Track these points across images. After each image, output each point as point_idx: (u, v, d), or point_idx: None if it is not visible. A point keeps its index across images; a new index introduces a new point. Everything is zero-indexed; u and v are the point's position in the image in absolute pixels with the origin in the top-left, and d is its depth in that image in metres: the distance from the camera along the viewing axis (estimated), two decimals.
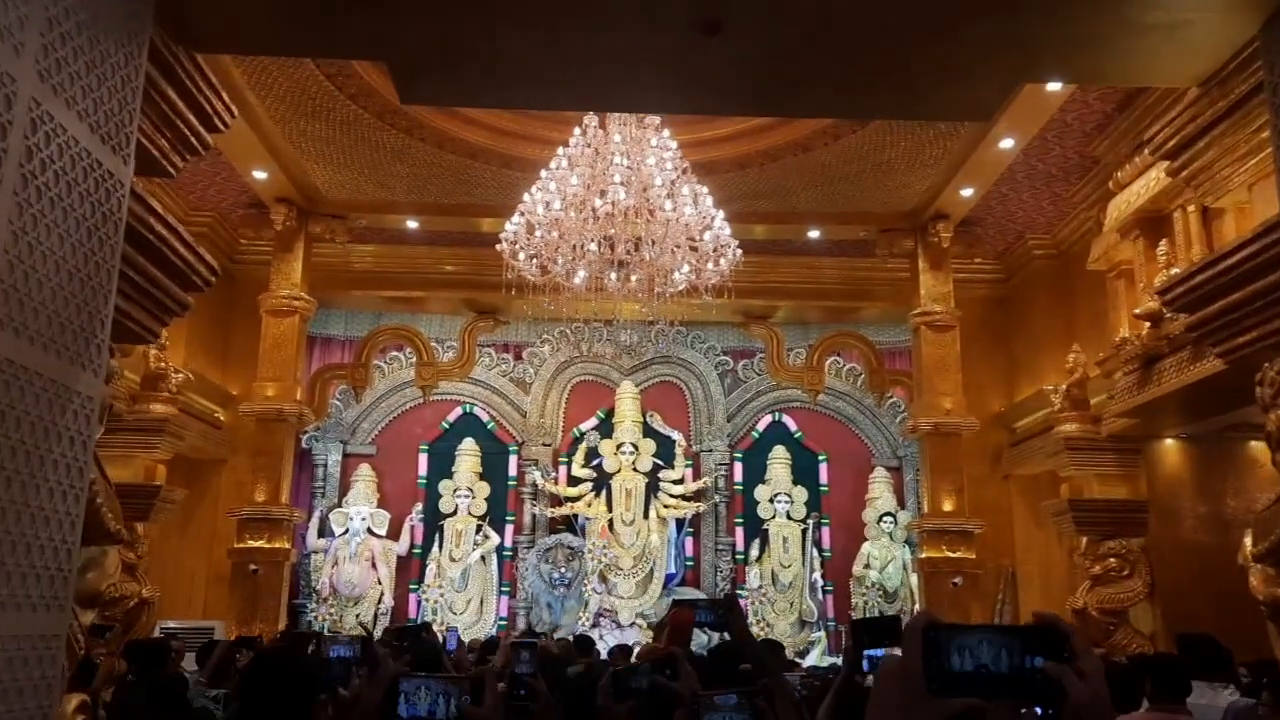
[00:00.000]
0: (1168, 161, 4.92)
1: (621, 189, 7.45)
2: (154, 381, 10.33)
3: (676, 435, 13.56)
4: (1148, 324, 8.59)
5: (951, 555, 11.06)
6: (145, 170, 3.69)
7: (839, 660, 12.21)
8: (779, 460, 13.60)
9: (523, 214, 7.93)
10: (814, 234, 12.01)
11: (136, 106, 3.26)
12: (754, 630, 12.70)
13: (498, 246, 8.29)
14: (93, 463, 3.10)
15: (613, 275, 8.24)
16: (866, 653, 3.42)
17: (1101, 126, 9.43)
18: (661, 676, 3.09)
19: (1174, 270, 8.37)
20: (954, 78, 3.85)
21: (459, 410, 13.79)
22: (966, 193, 10.80)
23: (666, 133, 7.99)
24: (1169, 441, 9.99)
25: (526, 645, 2.95)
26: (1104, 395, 10.28)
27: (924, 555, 11.29)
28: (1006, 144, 9.59)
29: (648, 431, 13.48)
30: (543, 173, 8.00)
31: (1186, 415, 9.10)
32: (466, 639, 12.09)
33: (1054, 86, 8.45)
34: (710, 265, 8.10)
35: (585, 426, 13.65)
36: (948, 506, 11.22)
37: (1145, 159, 8.76)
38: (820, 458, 13.80)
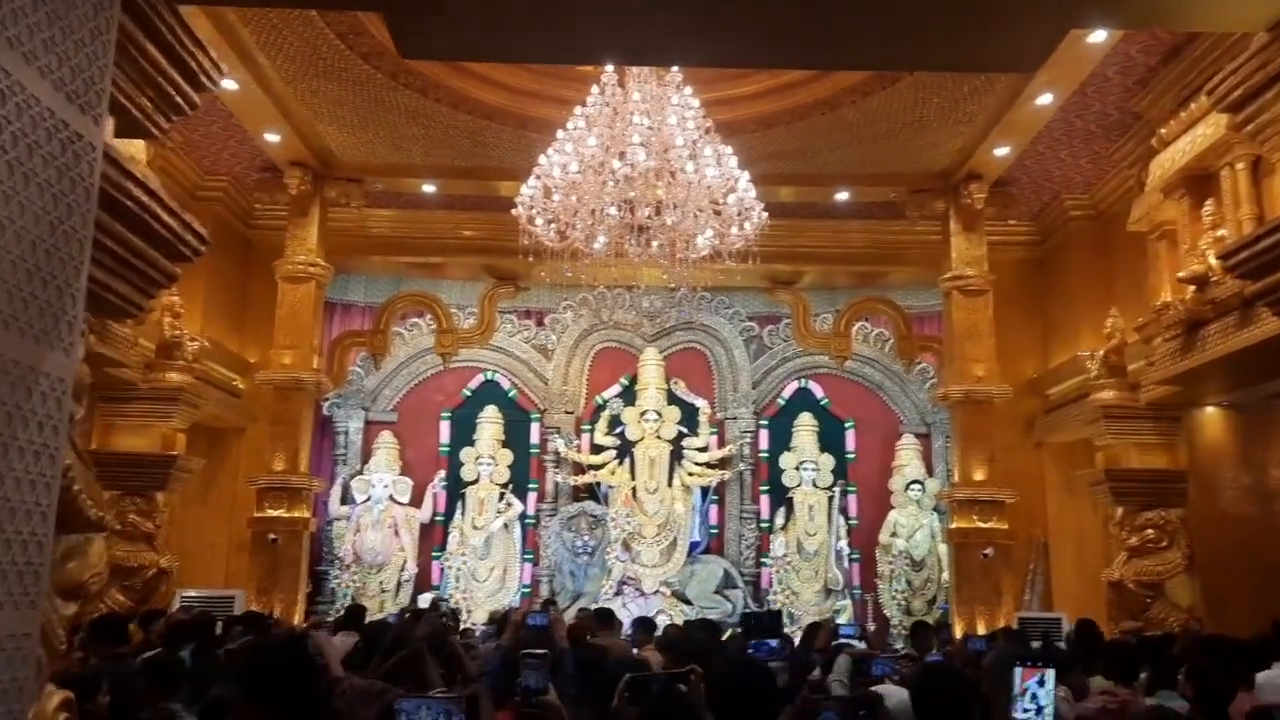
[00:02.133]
0: (1229, 114, 4.57)
1: (641, 150, 7.14)
2: (169, 350, 10.20)
3: (701, 402, 13.35)
4: (1192, 287, 8.21)
5: (982, 526, 10.79)
6: (128, 132, 3.46)
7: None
8: (805, 427, 13.34)
9: (539, 177, 7.65)
10: (842, 196, 11.65)
11: (108, 63, 3.02)
12: (779, 598, 12.59)
13: (514, 211, 8.03)
14: (68, 447, 2.89)
15: (633, 241, 7.95)
16: (753, 643, 3.41)
17: (1144, 80, 8.98)
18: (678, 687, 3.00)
19: (1221, 231, 8.01)
20: (1000, 25, 3.53)
21: (481, 377, 13.62)
22: (1001, 151, 10.39)
23: (689, 90, 7.66)
24: (1210, 410, 9.64)
25: (536, 658, 2.75)
26: (1143, 361, 9.93)
27: (954, 525, 11.02)
28: (1045, 100, 9.17)
29: (671, 399, 13.27)
30: (559, 133, 7.70)
31: (1231, 382, 8.75)
32: (488, 607, 12.14)
33: (1097, 37, 8.03)
34: (734, 229, 7.79)
35: (608, 394, 13.46)
36: (979, 476, 10.93)
37: (1192, 114, 8.36)
38: (847, 424, 13.53)
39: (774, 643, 3.93)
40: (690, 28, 3.86)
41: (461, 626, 10.09)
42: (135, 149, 8.21)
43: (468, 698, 2.20)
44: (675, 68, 7.71)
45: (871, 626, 12.07)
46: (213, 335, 11.55)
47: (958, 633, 10.21)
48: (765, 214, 7.77)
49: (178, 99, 3.60)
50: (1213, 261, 7.94)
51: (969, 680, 3.10)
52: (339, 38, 8.56)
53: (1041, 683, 2.94)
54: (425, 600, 12.18)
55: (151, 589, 9.81)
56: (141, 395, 9.90)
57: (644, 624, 8.02)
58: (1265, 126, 4.37)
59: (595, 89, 7.77)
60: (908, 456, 13.19)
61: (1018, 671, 2.97)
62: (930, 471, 13.12)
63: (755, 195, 7.69)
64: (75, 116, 2.83)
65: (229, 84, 9.10)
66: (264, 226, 12.58)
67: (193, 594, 10.35)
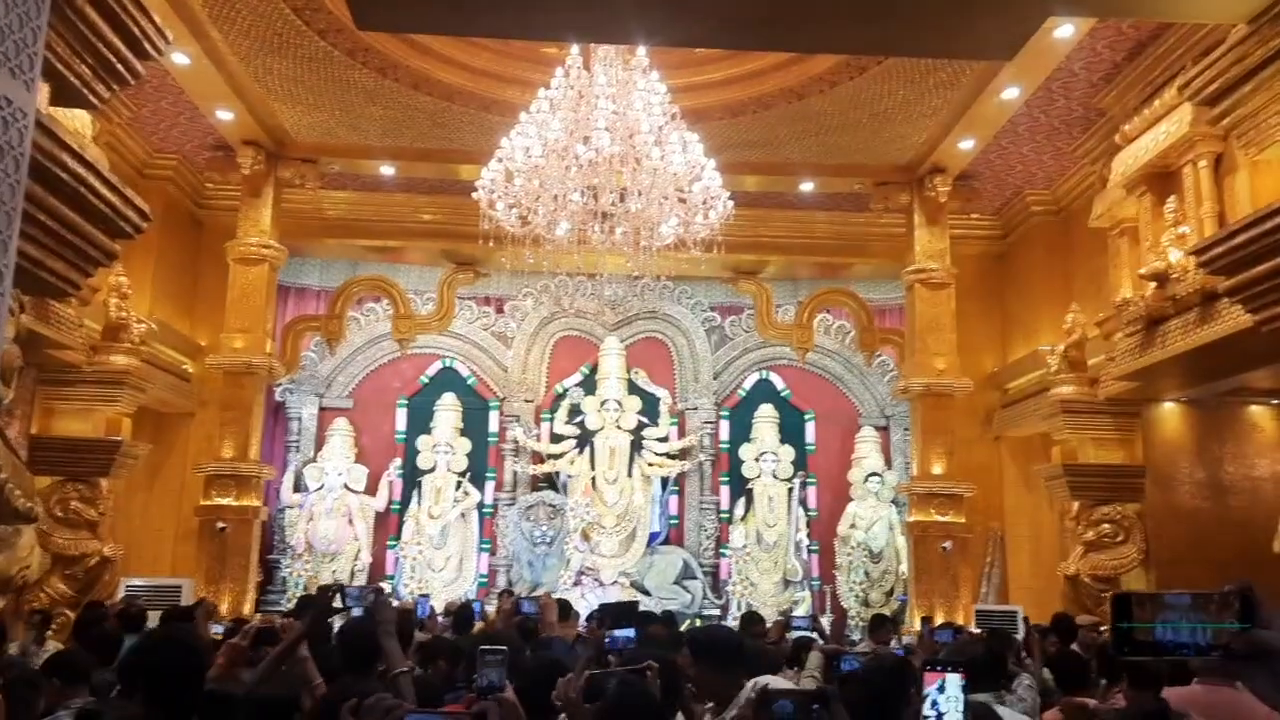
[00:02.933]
0: (1203, 108, 4.51)
1: (606, 134, 6.98)
2: (115, 332, 9.86)
3: (662, 392, 13.25)
4: (1153, 284, 8.24)
5: (941, 519, 10.82)
6: (65, 100, 3.25)
7: (824, 620, 12.02)
8: (765, 419, 13.30)
9: (501, 160, 7.46)
10: (807, 186, 11.58)
11: (42, 24, 2.80)
12: (738, 589, 12.55)
13: (474, 195, 7.84)
14: None
15: (596, 228, 7.79)
16: (612, 633, 3.65)
17: (1109, 76, 8.99)
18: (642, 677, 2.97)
19: (1183, 228, 8.05)
20: (979, 12, 3.44)
21: (438, 364, 13.40)
22: (966, 145, 10.38)
23: (655, 75, 7.51)
24: (1168, 405, 9.72)
25: (495, 654, 2.64)
26: (1102, 357, 9.98)
27: (913, 519, 11.04)
28: (1010, 94, 9.15)
29: (632, 388, 13.15)
30: (522, 115, 7.52)
31: (1189, 379, 8.82)
32: (445, 597, 11.93)
33: (1065, 31, 8.01)
34: (699, 218, 7.67)
35: (568, 383, 13.32)
36: (938, 469, 10.95)
37: (1155, 111, 8.38)
38: (807, 416, 13.51)
39: (630, 633, 3.90)
40: (657, 6, 3.73)
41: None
42: (80, 123, 7.91)
43: (474, 716, 2.16)
44: (642, 51, 7.56)
45: (827, 618, 12.06)
46: (161, 317, 11.22)
47: (919, 624, 10.19)
48: (731, 202, 7.65)
49: (119, 67, 3.39)
50: (1174, 258, 7.98)
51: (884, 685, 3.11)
52: (294, 12, 8.31)
53: (942, 689, 2.77)
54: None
55: (94, 578, 9.50)
56: (85, 378, 9.57)
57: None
58: (1241, 121, 4.34)
59: (560, 71, 7.59)
60: (867, 449, 13.19)
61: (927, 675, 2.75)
62: (889, 464, 13.13)
63: (721, 183, 7.56)
64: (4, 80, 2.63)
65: (179, 58, 8.82)
66: (216, 207, 12.25)
67: (139, 583, 10.05)
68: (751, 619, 6.83)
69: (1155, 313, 8.27)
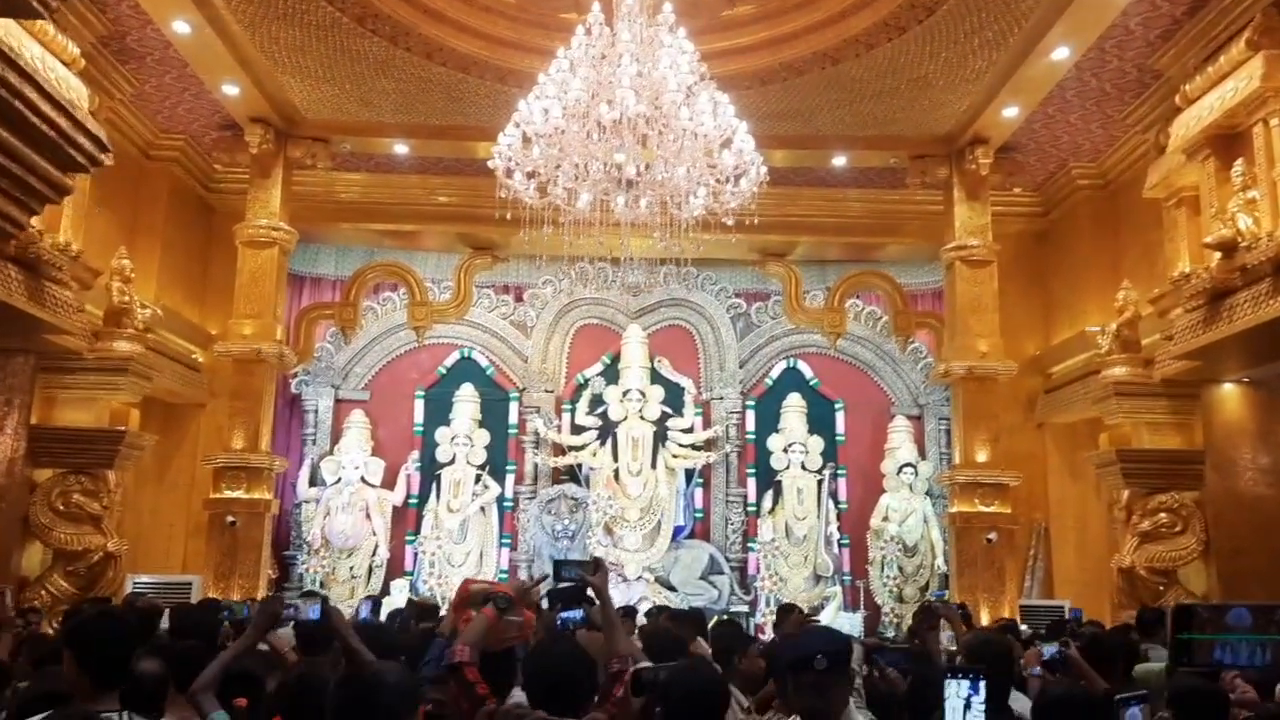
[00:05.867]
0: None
1: (631, 94, 6.49)
2: (118, 317, 9.49)
3: (686, 382, 12.78)
4: (1218, 254, 7.66)
5: (985, 510, 10.28)
6: (7, 10, 2.78)
7: (856, 617, 11.52)
8: (794, 408, 12.80)
9: (518, 125, 6.98)
10: (839, 161, 11.07)
11: None
12: (766, 584, 12.06)
13: (490, 163, 7.35)
14: None
15: (620, 200, 7.28)
16: (561, 615, 3.77)
17: (1168, 34, 8.42)
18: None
19: (1252, 193, 7.48)
20: None
21: (457, 354, 12.99)
22: (1010, 113, 9.83)
23: (682, 31, 7.01)
24: (1228, 387, 9.14)
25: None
26: (1157, 336, 9.44)
27: (955, 509, 10.51)
28: (1060, 54, 8.60)
29: (655, 378, 12.70)
30: (540, 77, 7.03)
31: (1256, 357, 8.25)
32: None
33: None
34: (730, 187, 7.15)
35: (590, 372, 12.86)
36: (981, 457, 10.42)
37: (1220, 68, 7.82)
38: (837, 406, 12.99)
39: (579, 614, 3.81)
40: None
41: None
42: (77, 93, 7.50)
43: None
44: (668, 7, 7.06)
45: (860, 614, 11.57)
46: (168, 304, 10.85)
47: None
48: (765, 168, 7.14)
49: None
50: (1243, 225, 7.41)
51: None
52: None
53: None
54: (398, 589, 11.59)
55: (98, 574, 9.13)
56: (87, 366, 9.20)
57: (626, 613, 7.50)
58: None
59: (580, 30, 7.09)
60: (900, 439, 12.67)
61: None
62: (923, 455, 12.61)
63: (755, 147, 7.05)
64: None
65: (180, 26, 8.42)
66: (226, 191, 11.89)
67: (145, 580, 9.70)
68: (788, 611, 6.32)
69: (1221, 285, 7.71)
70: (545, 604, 4.14)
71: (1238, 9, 7.63)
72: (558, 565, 3.90)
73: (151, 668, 3.30)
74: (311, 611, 3.77)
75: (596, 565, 3.70)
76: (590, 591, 3.68)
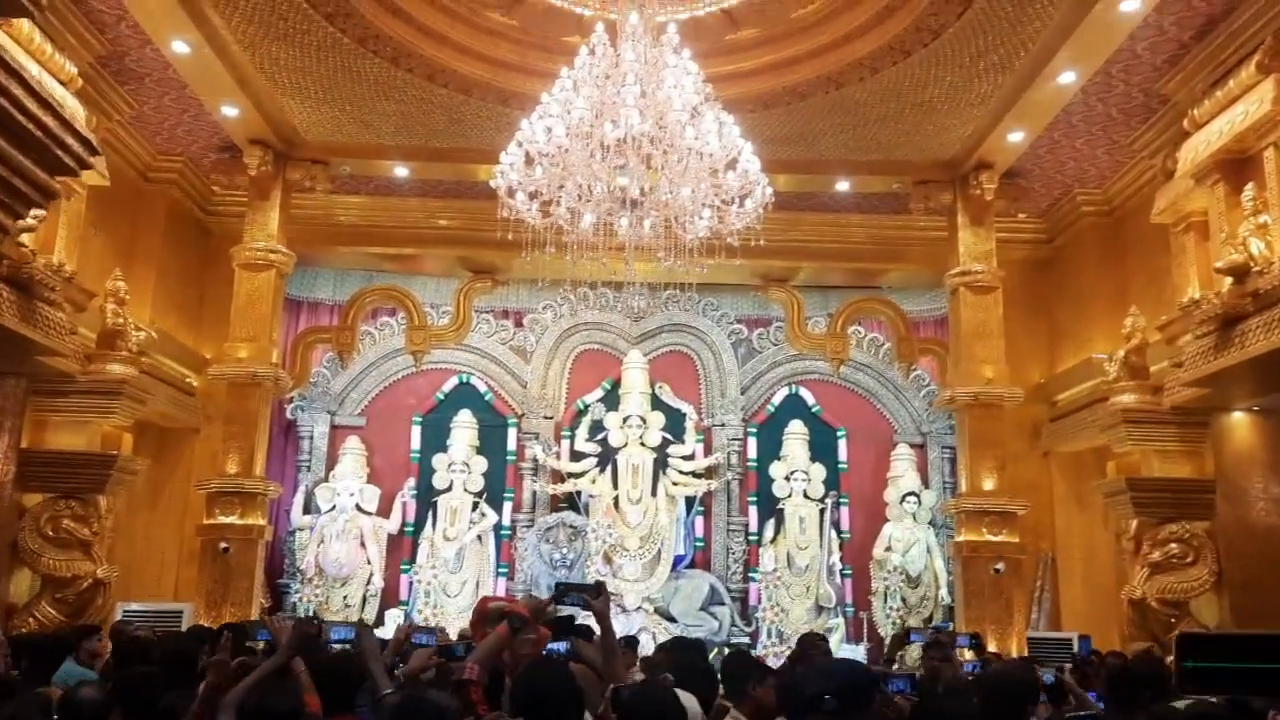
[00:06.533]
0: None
1: (635, 113, 6.40)
2: (112, 339, 9.34)
3: (687, 408, 12.64)
4: (1229, 280, 7.56)
5: (992, 539, 10.11)
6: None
7: (859, 649, 11.31)
8: (796, 436, 12.65)
9: (521, 144, 6.89)
10: (843, 186, 11.00)
11: None
12: (768, 615, 11.86)
13: (492, 182, 7.25)
14: None
15: (624, 221, 7.17)
16: (546, 647, 3.70)
17: (1175, 58, 8.36)
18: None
19: (1264, 218, 7.39)
20: None
21: (455, 380, 12.85)
22: (1015, 138, 9.77)
23: (687, 52, 6.94)
24: (1238, 415, 8.99)
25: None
26: (1165, 363, 9.31)
27: (962, 538, 10.34)
28: (1067, 78, 8.54)
29: (656, 404, 12.56)
30: (544, 96, 6.95)
31: (1269, 383, 8.11)
32: (460, 624, 11.23)
33: (1130, 5, 7.41)
34: (735, 208, 7.05)
35: (590, 398, 12.73)
36: (988, 485, 10.26)
37: (1230, 92, 7.76)
38: (839, 433, 12.85)
39: (562, 646, 3.78)
40: None
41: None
42: (71, 110, 7.41)
43: None
44: (672, 28, 7.00)
45: (864, 646, 11.38)
46: (164, 327, 10.71)
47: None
48: (771, 189, 7.04)
49: None
50: (1255, 250, 7.32)
51: None
52: None
53: None
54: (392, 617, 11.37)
55: (86, 601, 8.92)
56: (79, 388, 9.03)
57: (627, 644, 7.31)
58: None
59: (584, 49, 7.02)
60: (903, 467, 12.53)
61: None
62: (926, 483, 12.46)
63: (760, 168, 6.95)
64: None
65: (179, 46, 8.35)
66: (224, 214, 11.78)
67: (136, 607, 9.48)
68: (811, 640, 6.13)
69: (1232, 311, 7.60)
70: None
71: (1247, 33, 7.58)
72: (559, 588, 3.87)
73: (90, 694, 3.23)
74: (336, 633, 3.76)
75: (599, 590, 3.67)
76: (593, 616, 3.63)
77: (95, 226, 9.60)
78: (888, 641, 9.42)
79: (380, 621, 11.48)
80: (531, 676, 3.05)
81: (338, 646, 4.08)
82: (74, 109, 7.35)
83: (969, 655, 6.61)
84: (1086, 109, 9.30)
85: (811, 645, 4.68)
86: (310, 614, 11.36)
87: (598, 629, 3.77)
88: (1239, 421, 8.96)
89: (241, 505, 10.09)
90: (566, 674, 3.13)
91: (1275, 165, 7.28)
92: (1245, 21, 7.57)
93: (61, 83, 7.50)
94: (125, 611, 9.23)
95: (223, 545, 9.97)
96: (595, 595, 3.62)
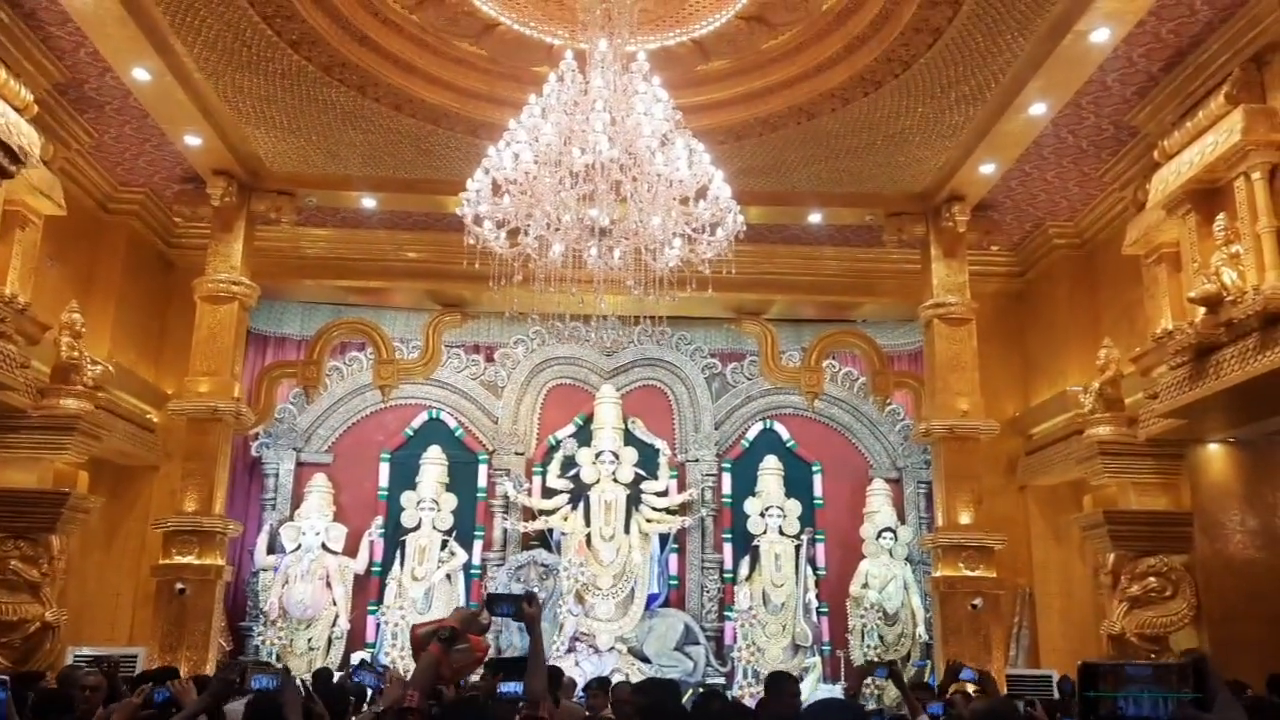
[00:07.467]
0: (1260, 114, 3.78)
1: (604, 138, 6.29)
2: (66, 374, 9.06)
3: (660, 444, 12.48)
4: (1202, 310, 7.51)
5: (970, 574, 9.94)
6: None
7: (835, 689, 11.07)
8: (770, 471, 12.51)
9: (487, 171, 6.75)
10: (815, 218, 10.94)
11: None
12: (743, 654, 11.61)
13: (458, 210, 7.10)
14: None
15: (593, 250, 7.03)
16: (501, 688, 3.75)
17: (1145, 90, 8.38)
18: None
19: (1235, 247, 7.36)
20: None
21: (424, 416, 12.64)
22: (987, 169, 9.75)
23: (657, 80, 6.86)
24: (1214, 447, 8.95)
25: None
26: (1139, 394, 9.27)
27: (939, 574, 10.16)
28: (1038, 109, 8.53)
29: (629, 439, 12.39)
30: (511, 123, 6.83)
31: (1243, 415, 8.07)
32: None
33: (1100, 36, 7.42)
34: (706, 236, 6.93)
35: (561, 434, 12.54)
36: (964, 519, 10.11)
37: (1199, 123, 7.77)
38: (814, 469, 12.73)
39: (519, 687, 3.74)
40: None
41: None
42: (28, 140, 7.20)
43: None
44: (642, 55, 6.91)
45: (840, 685, 11.13)
46: (122, 361, 10.44)
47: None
48: (742, 218, 6.93)
49: None
50: (1228, 279, 7.28)
51: None
52: (264, 20, 7.66)
53: None
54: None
55: (34, 646, 8.56)
56: (31, 424, 8.75)
57: (600, 684, 7.11)
58: None
59: (553, 76, 6.92)
60: (879, 503, 12.40)
61: None
62: (903, 519, 12.32)
63: (731, 195, 6.85)
64: None
65: (140, 74, 8.18)
66: (187, 246, 11.56)
67: (87, 651, 9.07)
68: (780, 680, 5.93)
69: (1206, 341, 7.55)
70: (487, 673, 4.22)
71: (1215, 64, 7.61)
72: (489, 598, 4.02)
73: None
74: (258, 681, 3.61)
75: (530, 599, 3.74)
76: (525, 624, 3.75)
77: (51, 258, 9.36)
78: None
79: (345, 664, 11.13)
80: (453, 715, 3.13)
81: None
82: (31, 138, 7.19)
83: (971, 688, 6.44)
84: (1057, 141, 9.31)
85: (779, 686, 4.47)
86: (275, 658, 11.03)
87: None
88: (1215, 453, 8.92)
89: (199, 544, 9.76)
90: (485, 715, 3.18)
91: (1246, 195, 7.25)
92: (1213, 53, 7.60)
93: (16, 109, 7.32)
94: (76, 656, 8.84)
95: (179, 586, 9.63)
96: (528, 604, 3.68)
